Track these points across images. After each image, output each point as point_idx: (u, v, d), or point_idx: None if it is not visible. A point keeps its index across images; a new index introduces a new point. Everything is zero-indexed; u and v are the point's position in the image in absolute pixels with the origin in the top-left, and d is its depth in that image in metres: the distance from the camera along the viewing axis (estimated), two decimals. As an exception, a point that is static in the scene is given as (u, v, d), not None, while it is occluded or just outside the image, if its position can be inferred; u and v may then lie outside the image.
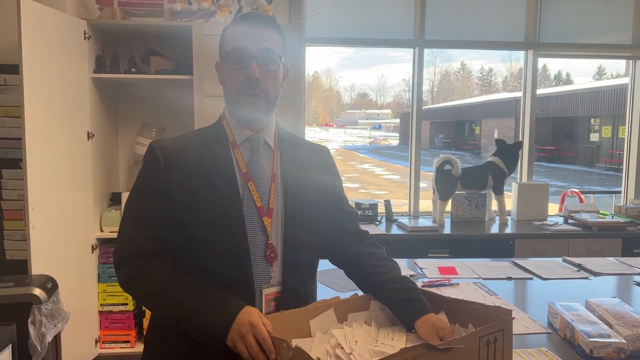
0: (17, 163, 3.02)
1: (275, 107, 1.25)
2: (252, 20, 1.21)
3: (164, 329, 1.18)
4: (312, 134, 35.50)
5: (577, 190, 4.52)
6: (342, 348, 1.06)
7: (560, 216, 3.92)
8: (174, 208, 1.15)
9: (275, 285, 1.19)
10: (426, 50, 3.92)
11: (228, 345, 1.03)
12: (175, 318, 1.09)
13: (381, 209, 3.77)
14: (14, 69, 2.51)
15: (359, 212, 3.62)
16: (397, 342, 1.12)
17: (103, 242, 3.07)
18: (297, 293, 1.21)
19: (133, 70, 3.07)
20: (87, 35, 2.87)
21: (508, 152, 3.73)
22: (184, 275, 1.13)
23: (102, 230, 3.05)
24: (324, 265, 1.34)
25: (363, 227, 1.42)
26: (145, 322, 3.16)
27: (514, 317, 1.10)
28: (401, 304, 1.20)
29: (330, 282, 2.01)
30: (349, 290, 1.75)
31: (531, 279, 2.16)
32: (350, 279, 1.35)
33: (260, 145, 1.24)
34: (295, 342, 0.97)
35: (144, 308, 3.18)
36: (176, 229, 1.15)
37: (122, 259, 1.16)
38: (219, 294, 1.09)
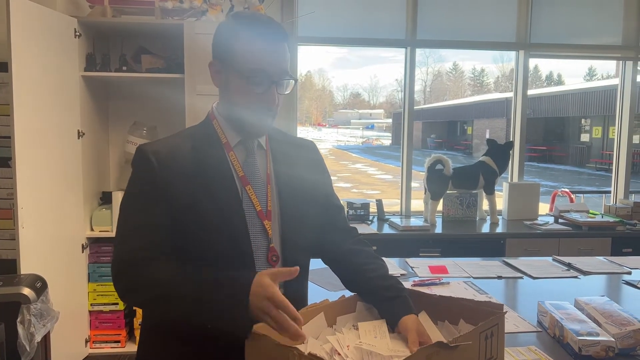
0: (6, 162, 2.99)
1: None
2: (270, 35, 1.14)
3: (157, 330, 1.16)
4: (305, 133, 35.46)
5: (567, 190, 4.55)
6: (339, 354, 1.06)
7: (551, 216, 3.94)
8: (172, 214, 1.10)
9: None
10: (418, 51, 3.94)
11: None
12: (186, 317, 1.03)
13: (373, 208, 3.78)
14: (3, 66, 2.49)
15: (351, 212, 3.62)
16: (381, 340, 1.12)
17: (93, 242, 3.05)
18: (296, 294, 1.18)
19: (124, 68, 3.06)
20: (77, 33, 2.85)
21: (499, 152, 3.75)
22: (184, 273, 1.06)
23: (92, 230, 3.03)
24: (314, 264, 1.34)
25: (354, 226, 1.42)
26: (136, 322, 3.14)
27: (506, 311, 1.11)
28: (387, 302, 1.20)
29: (321, 281, 2.01)
30: (339, 289, 1.75)
31: (521, 278, 2.17)
32: (337, 275, 1.34)
33: (254, 147, 1.22)
34: None
35: (134, 307, 3.15)
36: (175, 236, 1.11)
37: (119, 269, 1.10)
38: (224, 280, 1.01)
